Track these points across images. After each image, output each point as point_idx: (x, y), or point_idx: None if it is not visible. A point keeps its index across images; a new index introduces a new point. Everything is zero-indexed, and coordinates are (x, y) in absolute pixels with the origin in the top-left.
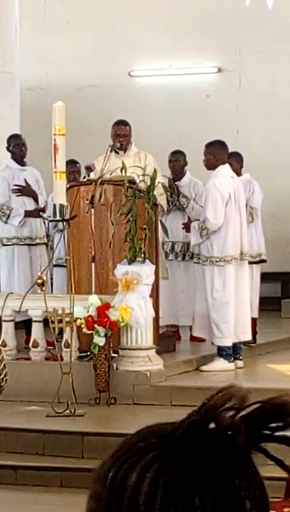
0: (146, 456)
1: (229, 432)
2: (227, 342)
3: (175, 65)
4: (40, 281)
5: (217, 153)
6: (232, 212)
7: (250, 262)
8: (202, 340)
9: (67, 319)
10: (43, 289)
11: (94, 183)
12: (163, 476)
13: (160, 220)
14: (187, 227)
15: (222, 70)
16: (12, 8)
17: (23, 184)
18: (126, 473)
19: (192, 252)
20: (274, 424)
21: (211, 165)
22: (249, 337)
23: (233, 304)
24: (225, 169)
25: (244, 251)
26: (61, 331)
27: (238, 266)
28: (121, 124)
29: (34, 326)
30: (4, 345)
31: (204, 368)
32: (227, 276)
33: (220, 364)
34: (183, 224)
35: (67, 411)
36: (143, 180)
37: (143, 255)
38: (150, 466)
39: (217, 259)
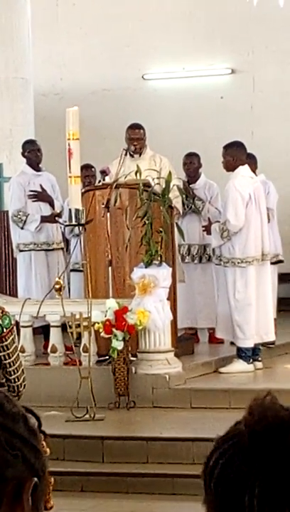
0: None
1: None
2: (249, 343)
3: (188, 67)
4: (57, 286)
5: (236, 155)
6: (252, 213)
7: None
8: (221, 342)
9: (85, 324)
10: (61, 294)
11: (109, 186)
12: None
13: (176, 223)
14: (207, 229)
15: (236, 71)
16: (24, 14)
17: (39, 189)
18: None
19: (209, 254)
20: None
21: (230, 166)
22: (272, 337)
23: (255, 304)
24: (244, 170)
25: (265, 251)
26: (79, 336)
27: (260, 267)
28: (136, 127)
29: (52, 331)
30: (23, 350)
31: (223, 369)
32: (249, 277)
33: (239, 366)
34: (203, 226)
35: (87, 415)
36: (158, 183)
37: (159, 258)
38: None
39: (239, 261)
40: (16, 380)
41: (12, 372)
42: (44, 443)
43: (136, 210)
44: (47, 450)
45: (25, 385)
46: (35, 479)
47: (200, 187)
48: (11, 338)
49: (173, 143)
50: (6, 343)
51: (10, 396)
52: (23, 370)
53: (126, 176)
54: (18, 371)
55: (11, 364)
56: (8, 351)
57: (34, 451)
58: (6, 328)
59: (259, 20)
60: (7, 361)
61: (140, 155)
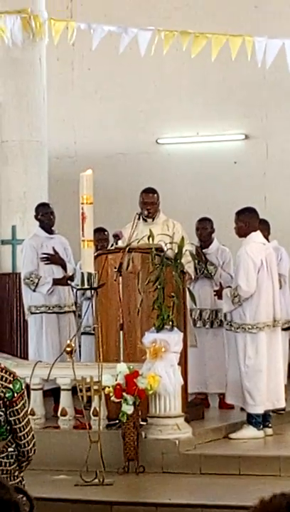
0: None
1: None
2: (259, 409)
3: (202, 132)
4: (68, 349)
5: (249, 221)
6: (264, 279)
7: None
8: (231, 407)
9: (96, 387)
10: (72, 357)
11: (121, 251)
12: None
13: (188, 288)
14: (219, 294)
15: (249, 136)
16: (40, 78)
17: (52, 252)
18: None
19: (221, 319)
20: None
21: (242, 232)
22: (283, 404)
23: (266, 371)
24: (257, 236)
25: (276, 318)
26: (89, 399)
27: (271, 333)
28: (149, 192)
29: (62, 394)
30: (33, 413)
31: (233, 435)
32: (260, 343)
33: (250, 432)
34: (214, 291)
35: (96, 480)
36: (170, 248)
37: (171, 323)
38: None
39: (250, 326)
40: (26, 444)
41: (22, 437)
42: None
43: (149, 274)
44: None
45: (35, 450)
46: None
47: (213, 252)
48: (21, 403)
49: (186, 207)
50: (16, 407)
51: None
52: (33, 435)
53: (138, 241)
54: (28, 436)
55: (22, 429)
56: (18, 416)
57: None
58: (17, 393)
59: (272, 87)
60: (17, 426)
61: (153, 219)
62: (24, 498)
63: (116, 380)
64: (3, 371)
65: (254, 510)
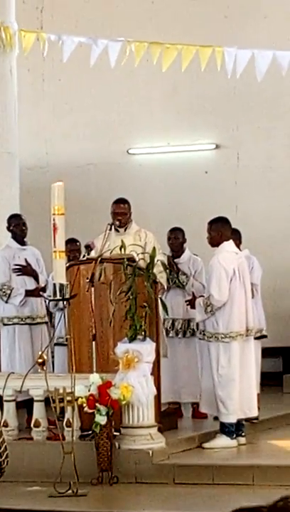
0: None
1: None
2: (232, 418)
3: (173, 142)
4: (40, 360)
5: (221, 230)
6: (236, 288)
7: None
8: (205, 416)
9: (69, 398)
10: (44, 368)
11: (94, 261)
12: None
13: (160, 298)
14: (191, 303)
15: (220, 146)
16: (11, 89)
17: (24, 263)
18: None
19: (193, 328)
20: None
21: (215, 242)
22: (255, 413)
23: (238, 380)
24: (229, 245)
25: (249, 327)
26: (62, 410)
27: (243, 342)
28: (120, 202)
29: (35, 405)
30: (6, 425)
31: (206, 445)
32: (233, 352)
33: (223, 441)
34: (186, 300)
35: (70, 491)
36: (142, 258)
37: (143, 333)
38: None
39: (223, 336)
40: None
41: None
42: None
43: (121, 284)
44: None
45: (8, 462)
46: None
47: (185, 261)
48: None
49: (157, 217)
50: None
51: None
52: (6, 446)
53: (111, 251)
54: (0, 448)
55: None
56: None
57: None
58: None
59: (242, 97)
60: None
61: (125, 230)
62: None
63: (89, 390)
64: None
65: None
